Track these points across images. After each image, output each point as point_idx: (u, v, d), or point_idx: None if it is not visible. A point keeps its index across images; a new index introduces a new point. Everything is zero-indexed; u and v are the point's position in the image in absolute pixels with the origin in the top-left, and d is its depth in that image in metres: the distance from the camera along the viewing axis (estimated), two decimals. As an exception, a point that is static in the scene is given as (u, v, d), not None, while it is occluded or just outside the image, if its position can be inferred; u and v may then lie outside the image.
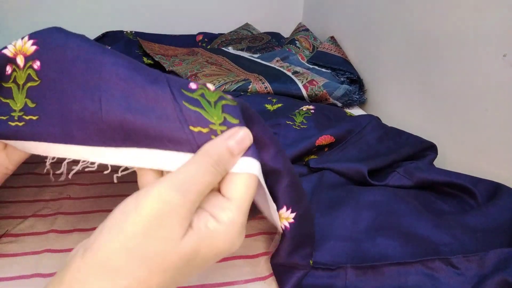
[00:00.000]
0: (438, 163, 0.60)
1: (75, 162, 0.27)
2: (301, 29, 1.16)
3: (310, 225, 0.34)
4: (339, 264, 0.37)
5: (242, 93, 0.79)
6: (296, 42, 1.09)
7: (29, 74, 0.27)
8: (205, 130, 0.25)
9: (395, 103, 0.79)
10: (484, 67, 0.55)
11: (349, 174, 0.52)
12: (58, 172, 0.28)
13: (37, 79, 0.27)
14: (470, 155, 0.59)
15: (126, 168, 0.27)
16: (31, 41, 0.27)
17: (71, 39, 0.27)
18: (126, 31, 1.16)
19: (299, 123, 0.62)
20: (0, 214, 0.42)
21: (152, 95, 0.25)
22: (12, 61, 0.27)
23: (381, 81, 0.84)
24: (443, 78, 0.64)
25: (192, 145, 0.25)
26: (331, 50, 1.00)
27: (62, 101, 0.26)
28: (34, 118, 0.26)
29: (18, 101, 0.27)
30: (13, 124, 0.27)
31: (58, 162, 0.29)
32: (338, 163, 0.53)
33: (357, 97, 0.84)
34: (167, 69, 0.92)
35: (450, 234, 0.40)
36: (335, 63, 0.95)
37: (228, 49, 1.09)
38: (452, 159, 0.62)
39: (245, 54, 1.05)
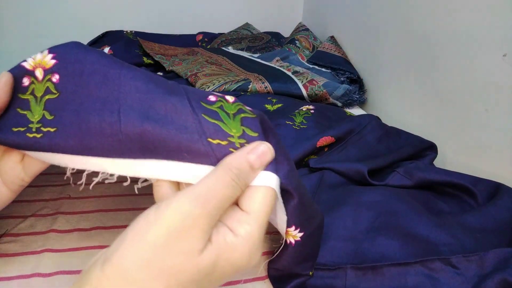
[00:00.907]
0: (438, 163, 0.60)
1: (95, 173, 0.27)
2: (301, 29, 1.16)
3: (317, 241, 0.34)
4: (339, 264, 0.37)
5: (242, 93, 0.79)
6: (296, 41, 1.09)
7: (47, 87, 0.27)
8: (223, 143, 0.25)
9: (395, 103, 0.79)
10: (484, 67, 0.55)
11: (349, 174, 0.52)
12: (79, 182, 0.28)
13: (55, 92, 0.27)
14: (470, 155, 0.59)
15: (146, 180, 0.27)
16: (50, 55, 0.27)
17: (90, 53, 0.27)
18: (126, 31, 1.16)
19: (298, 123, 0.62)
20: (0, 214, 0.42)
21: (171, 107, 0.25)
22: (30, 73, 0.28)
23: (381, 81, 0.84)
24: (443, 78, 0.64)
25: (210, 157, 0.25)
26: (331, 49, 1.00)
27: (80, 113, 0.26)
28: (52, 130, 0.27)
29: (36, 113, 0.27)
30: (31, 135, 0.27)
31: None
32: (338, 163, 0.53)
33: (357, 96, 0.84)
34: (167, 69, 0.92)
35: (450, 234, 0.40)
36: (335, 63, 0.95)
37: (228, 49, 1.09)
38: (452, 159, 0.62)
39: (245, 54, 1.05)
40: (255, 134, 0.26)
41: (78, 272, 0.36)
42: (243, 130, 0.26)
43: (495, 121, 0.54)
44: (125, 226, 0.47)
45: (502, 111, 0.53)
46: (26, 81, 0.28)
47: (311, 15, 1.31)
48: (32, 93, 0.28)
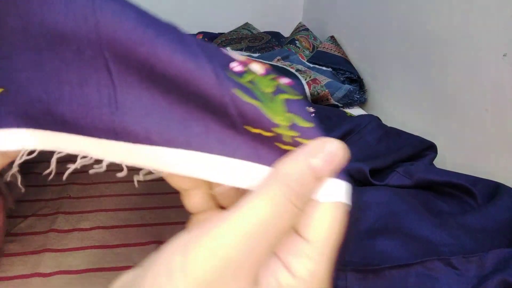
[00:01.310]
0: (438, 163, 0.60)
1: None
2: (301, 29, 1.16)
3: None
4: (338, 265, 0.37)
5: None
6: (296, 42, 1.09)
7: None
8: (267, 134, 0.18)
9: (395, 103, 0.79)
10: (484, 67, 0.55)
11: (351, 173, 0.52)
12: (47, 171, 0.20)
13: None
14: (470, 155, 0.59)
15: (151, 172, 0.19)
16: None
17: None
18: (126, 31, 1.16)
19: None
20: (0, 214, 0.42)
21: (186, 71, 0.17)
22: None
23: (381, 81, 0.84)
24: (443, 78, 0.64)
25: (250, 148, 0.18)
26: (331, 49, 1.00)
27: (42, 65, 0.17)
28: None
29: None
30: None
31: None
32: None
33: (358, 96, 0.85)
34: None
35: (450, 234, 0.40)
36: (335, 63, 0.95)
37: (227, 49, 1.09)
38: (452, 159, 0.62)
39: (244, 54, 1.05)
40: (310, 125, 0.18)
41: (78, 272, 0.36)
42: (292, 119, 0.18)
43: (495, 121, 0.54)
44: (125, 226, 0.47)
45: (502, 111, 0.53)
46: None
47: (311, 15, 1.31)
48: None
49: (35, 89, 0.17)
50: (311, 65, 0.97)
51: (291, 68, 0.88)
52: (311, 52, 1.06)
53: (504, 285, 0.32)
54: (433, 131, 0.66)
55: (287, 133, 0.18)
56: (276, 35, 1.24)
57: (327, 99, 0.81)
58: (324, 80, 0.82)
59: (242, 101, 0.17)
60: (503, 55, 0.51)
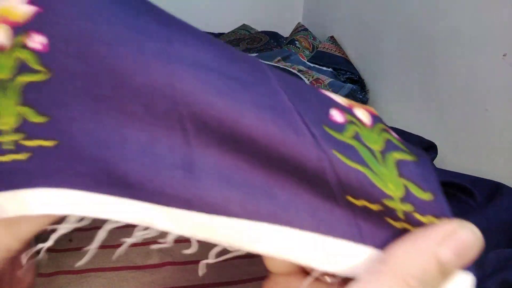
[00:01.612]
0: (438, 163, 0.60)
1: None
2: (300, 29, 1.16)
3: None
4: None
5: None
6: (296, 42, 1.09)
7: (22, 61, 0.14)
8: (374, 207, 0.14)
9: (395, 103, 0.79)
10: (484, 67, 0.55)
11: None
12: (90, 247, 0.18)
13: (42, 69, 0.14)
14: (470, 155, 0.59)
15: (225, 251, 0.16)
16: None
17: None
18: (126, 31, 1.15)
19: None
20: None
21: (280, 135, 0.14)
22: None
23: (381, 81, 0.84)
24: (443, 78, 0.64)
25: (352, 225, 0.15)
26: (331, 49, 1.00)
27: (104, 118, 0.14)
28: (49, 144, 0.15)
29: (6, 112, 0.14)
30: (3, 159, 0.14)
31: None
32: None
33: (361, 96, 0.85)
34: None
35: (450, 234, 0.40)
36: (336, 63, 0.95)
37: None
38: (452, 159, 0.62)
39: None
40: (429, 197, 0.15)
41: (78, 272, 0.36)
42: (405, 186, 0.14)
43: (495, 121, 0.54)
44: (125, 227, 0.47)
45: (502, 111, 0.53)
46: None
47: (311, 15, 1.31)
48: None
49: (93, 144, 0.14)
50: (312, 65, 0.97)
51: (292, 68, 0.88)
52: (311, 52, 1.06)
53: (504, 285, 0.32)
54: (433, 131, 0.66)
55: (402, 207, 0.14)
56: (274, 36, 1.24)
57: (329, 99, 0.81)
58: (326, 79, 0.82)
59: (344, 166, 0.14)
60: (503, 55, 0.51)
